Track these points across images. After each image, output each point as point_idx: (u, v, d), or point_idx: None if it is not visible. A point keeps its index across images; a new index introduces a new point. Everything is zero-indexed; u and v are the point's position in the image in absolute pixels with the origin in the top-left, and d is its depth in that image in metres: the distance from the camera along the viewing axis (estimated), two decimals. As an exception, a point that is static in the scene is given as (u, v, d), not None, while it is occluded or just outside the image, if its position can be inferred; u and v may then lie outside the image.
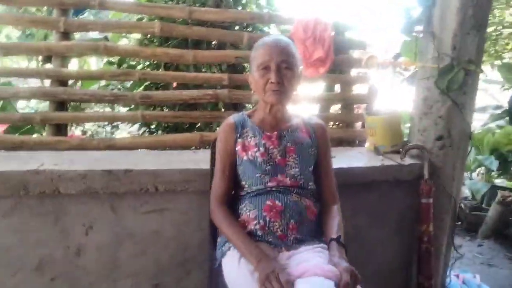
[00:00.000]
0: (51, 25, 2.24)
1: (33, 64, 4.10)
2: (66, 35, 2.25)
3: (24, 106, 3.62)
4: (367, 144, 2.34)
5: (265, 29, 3.04)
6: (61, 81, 2.22)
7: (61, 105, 2.21)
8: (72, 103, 2.76)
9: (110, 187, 1.63)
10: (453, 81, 1.95)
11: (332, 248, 1.33)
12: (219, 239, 1.49)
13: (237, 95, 2.37)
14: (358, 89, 2.96)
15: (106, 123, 3.34)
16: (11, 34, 5.82)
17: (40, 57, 2.37)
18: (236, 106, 2.65)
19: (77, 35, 2.81)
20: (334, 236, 1.38)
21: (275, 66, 1.38)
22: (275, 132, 1.48)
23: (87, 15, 3.96)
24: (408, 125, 2.32)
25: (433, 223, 1.99)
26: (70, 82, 2.65)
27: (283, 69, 1.39)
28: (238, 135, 1.48)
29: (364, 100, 2.73)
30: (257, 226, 1.37)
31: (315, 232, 1.44)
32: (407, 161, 2.05)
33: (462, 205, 3.81)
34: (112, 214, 1.68)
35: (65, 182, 1.59)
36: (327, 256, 1.31)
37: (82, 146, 2.07)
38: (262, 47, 1.42)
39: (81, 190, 1.60)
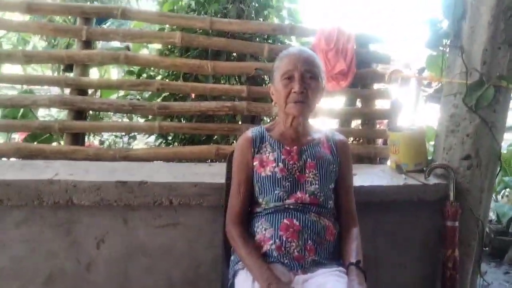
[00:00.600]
0: (74, 34, 2.27)
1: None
2: (88, 44, 2.27)
3: (44, 115, 3.67)
4: (389, 162, 2.26)
5: (286, 41, 3.00)
6: (81, 90, 2.23)
7: (79, 114, 2.21)
8: (91, 113, 2.78)
9: (123, 199, 1.60)
10: (483, 98, 1.85)
11: (351, 273, 1.27)
12: (232, 257, 1.43)
13: (255, 107, 2.33)
14: (380, 104, 2.88)
15: (124, 133, 3.34)
16: (38, 44, 5.97)
17: (62, 66, 2.38)
18: (253, 119, 2.61)
19: (99, 45, 2.84)
20: (353, 260, 1.30)
21: (299, 75, 1.34)
22: (295, 147, 1.42)
23: (111, 26, 4.01)
24: (433, 142, 2.22)
25: (459, 248, 1.88)
26: (90, 91, 2.68)
27: (307, 79, 1.36)
28: (256, 150, 1.43)
29: (386, 115, 2.64)
30: (273, 246, 1.32)
31: (334, 254, 1.38)
32: (432, 181, 1.95)
33: (487, 229, 3.63)
34: (124, 227, 1.66)
35: (79, 193, 1.57)
36: (346, 280, 1.24)
37: (98, 156, 2.06)
38: (287, 56, 1.40)
39: (94, 201, 1.59)
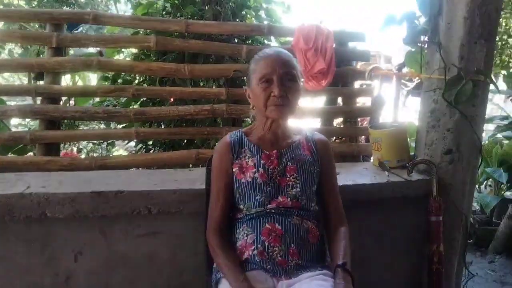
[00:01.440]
0: (43, 41, 2.18)
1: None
2: (59, 50, 2.19)
3: (17, 124, 3.56)
4: (372, 159, 2.25)
5: (266, 41, 2.97)
6: (53, 98, 2.15)
7: (52, 123, 2.13)
8: (66, 121, 2.70)
9: (100, 210, 1.56)
10: (461, 93, 1.85)
11: (337, 276, 1.24)
12: (214, 264, 1.39)
13: (235, 109, 2.29)
14: (362, 102, 2.88)
15: (101, 141, 3.26)
16: (14, 51, 5.81)
17: (32, 74, 2.30)
18: (234, 121, 2.57)
19: (71, 51, 2.76)
20: (339, 262, 1.27)
21: (278, 78, 1.31)
22: (275, 151, 1.40)
23: (89, 31, 3.91)
24: (415, 138, 2.22)
25: (444, 243, 1.88)
26: (64, 99, 2.60)
27: (286, 81, 1.33)
28: (235, 156, 1.39)
29: (368, 113, 2.63)
30: (255, 252, 1.28)
31: (317, 257, 1.35)
32: (415, 177, 1.95)
33: (471, 220, 3.67)
34: (103, 238, 1.61)
35: (52, 206, 1.52)
36: (331, 283, 1.22)
37: (73, 165, 1.99)
38: (264, 59, 1.36)
39: (69, 213, 1.53)
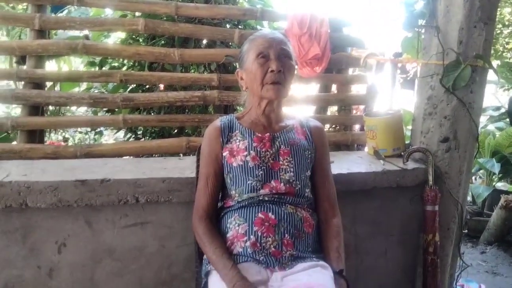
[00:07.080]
0: (25, 22, 2.07)
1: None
2: (42, 33, 2.09)
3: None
4: (367, 148, 2.20)
5: (258, 26, 2.89)
6: (36, 83, 2.05)
7: (35, 109, 2.04)
8: (51, 108, 2.60)
9: (85, 199, 1.49)
10: (460, 78, 1.80)
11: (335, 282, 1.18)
12: (205, 255, 1.33)
13: (227, 96, 2.22)
14: (356, 89, 2.82)
15: (89, 129, 3.15)
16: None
17: (14, 58, 2.18)
18: (226, 109, 2.50)
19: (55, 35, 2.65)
20: (336, 268, 1.23)
21: (276, 54, 1.29)
22: (267, 134, 1.34)
23: (76, 13, 3.74)
24: (410, 127, 2.17)
25: (439, 232, 1.85)
26: (49, 84, 2.50)
27: (283, 57, 1.30)
28: (225, 140, 1.34)
29: (363, 100, 2.58)
30: (248, 243, 1.22)
31: (313, 246, 1.30)
32: (410, 165, 1.91)
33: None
34: (88, 229, 1.55)
35: (33, 195, 1.45)
36: (329, 275, 1.18)
37: (57, 153, 1.90)
38: (260, 37, 1.34)
39: (52, 203, 1.46)
